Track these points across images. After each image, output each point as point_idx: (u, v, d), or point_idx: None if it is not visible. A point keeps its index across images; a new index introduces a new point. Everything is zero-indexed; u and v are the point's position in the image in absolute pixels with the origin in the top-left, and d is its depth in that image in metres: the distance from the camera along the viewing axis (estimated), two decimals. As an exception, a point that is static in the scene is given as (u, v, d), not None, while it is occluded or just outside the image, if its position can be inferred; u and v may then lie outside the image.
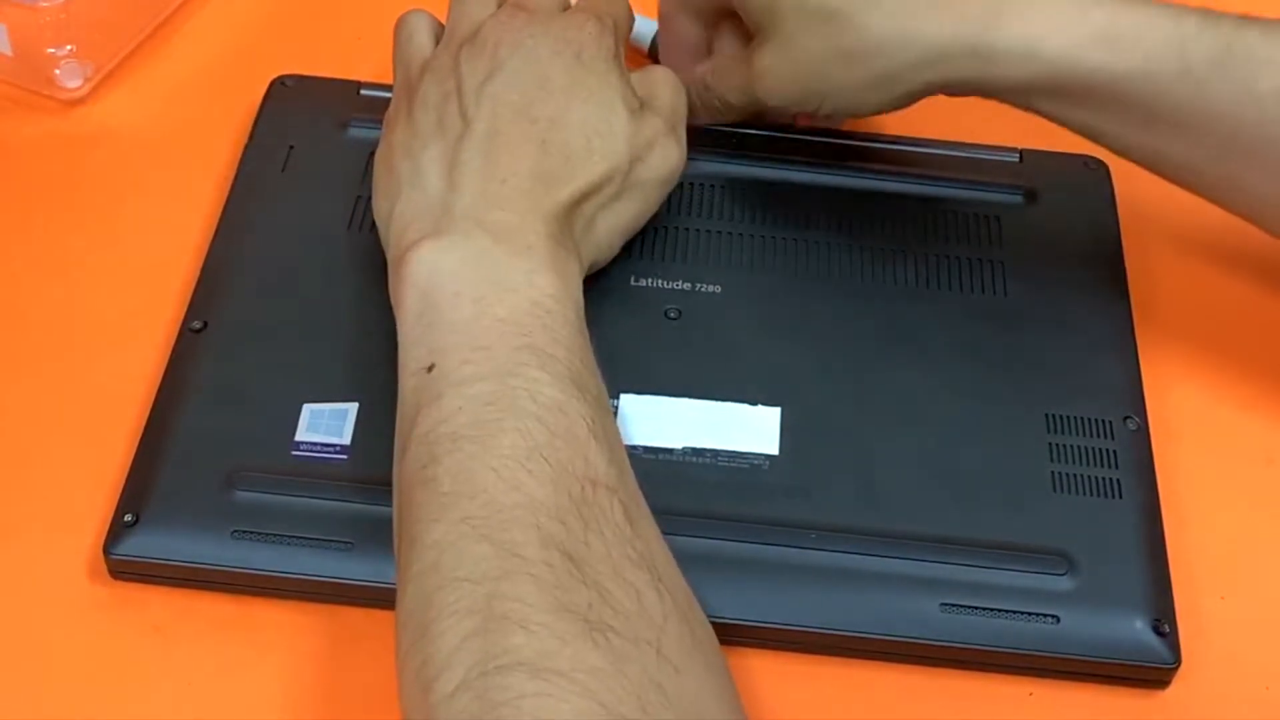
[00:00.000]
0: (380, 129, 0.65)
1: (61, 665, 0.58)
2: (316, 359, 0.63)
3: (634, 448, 0.61)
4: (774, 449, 0.62)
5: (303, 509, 0.59)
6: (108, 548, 0.59)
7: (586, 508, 0.51)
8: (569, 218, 0.61)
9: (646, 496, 0.54)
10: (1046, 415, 0.63)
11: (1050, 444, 0.62)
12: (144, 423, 0.62)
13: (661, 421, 0.62)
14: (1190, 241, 0.73)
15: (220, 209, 0.69)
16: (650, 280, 0.67)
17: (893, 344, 0.65)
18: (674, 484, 0.60)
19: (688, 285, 0.67)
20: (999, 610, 0.58)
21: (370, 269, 0.63)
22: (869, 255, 0.69)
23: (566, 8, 0.66)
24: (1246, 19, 0.61)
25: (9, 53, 0.75)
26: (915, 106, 0.66)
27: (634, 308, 0.66)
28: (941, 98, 0.68)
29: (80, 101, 0.76)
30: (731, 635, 0.57)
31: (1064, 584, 0.59)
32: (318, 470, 0.60)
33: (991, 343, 0.66)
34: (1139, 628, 0.58)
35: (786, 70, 0.66)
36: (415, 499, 0.52)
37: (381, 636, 0.51)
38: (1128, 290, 0.69)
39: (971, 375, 0.65)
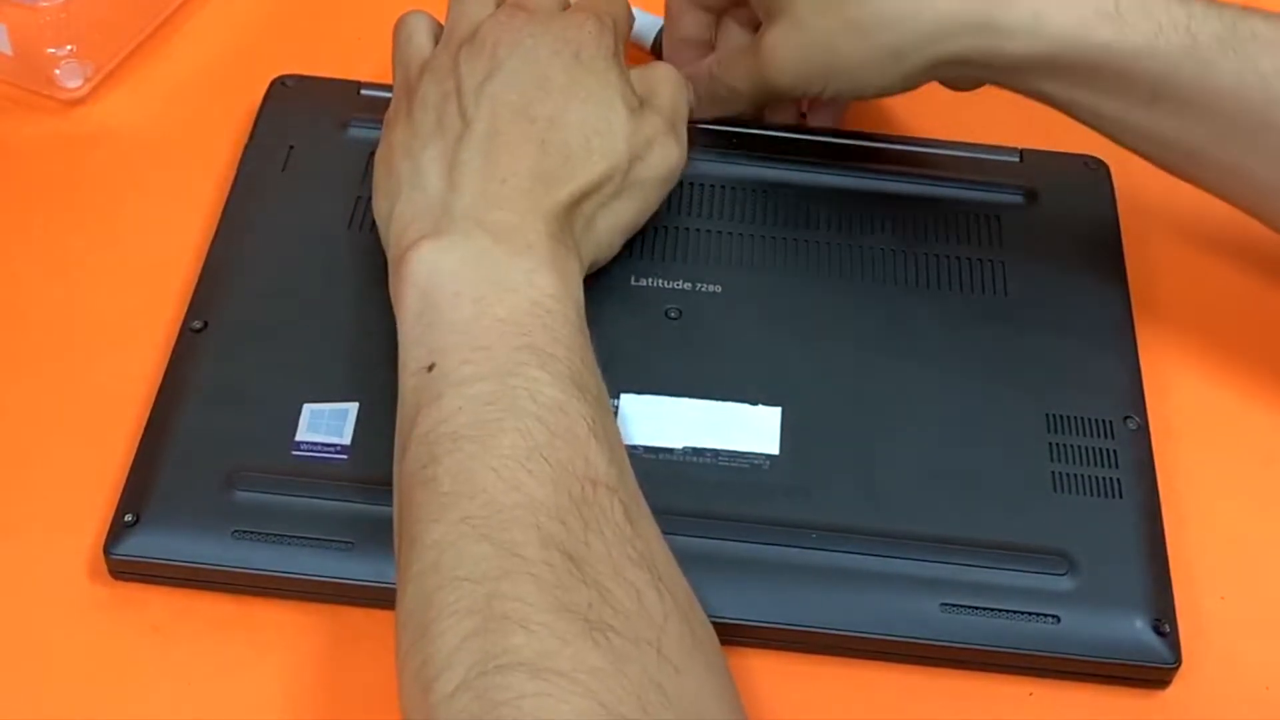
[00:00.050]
0: (380, 129, 0.65)
1: (61, 665, 0.58)
2: (316, 359, 0.63)
3: (634, 448, 0.61)
4: (774, 449, 0.62)
5: (303, 509, 0.59)
6: (108, 548, 0.59)
7: (587, 507, 0.51)
8: (569, 217, 0.61)
9: (647, 496, 0.54)
10: (1046, 415, 0.63)
11: (1050, 444, 0.62)
12: (144, 423, 0.62)
13: (662, 421, 0.62)
14: (1190, 241, 0.73)
15: (220, 209, 0.69)
16: (650, 280, 0.67)
17: (893, 344, 0.65)
18: (674, 484, 0.60)
19: (688, 285, 0.67)
20: (999, 610, 0.58)
21: (370, 269, 0.63)
22: (869, 255, 0.69)
23: (566, 7, 0.66)
24: (1248, 9, 0.62)
25: (9, 53, 0.75)
26: (915, 106, 0.66)
27: (634, 307, 0.66)
28: (942, 97, 0.69)
29: (80, 101, 0.76)
30: (732, 635, 0.57)
31: (1064, 584, 0.59)
32: (318, 470, 0.60)
33: (991, 342, 0.66)
34: (1139, 627, 0.58)
35: (794, 46, 0.66)
36: (415, 499, 0.52)
37: (381, 636, 0.51)
38: (1128, 290, 0.69)
39: (971, 375, 0.65)
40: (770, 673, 0.58)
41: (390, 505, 0.55)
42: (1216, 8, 0.62)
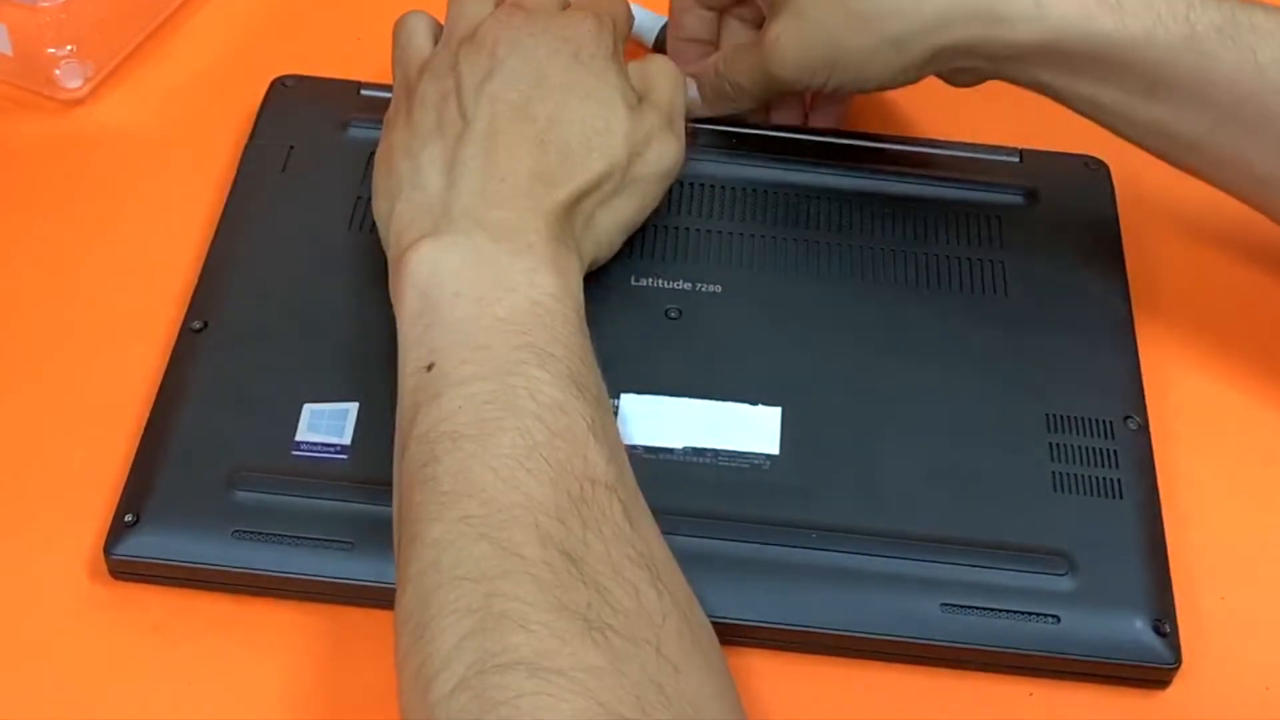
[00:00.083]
0: (380, 129, 0.65)
1: (61, 665, 0.58)
2: (316, 359, 0.63)
3: (634, 448, 0.61)
4: (774, 449, 0.62)
5: (303, 509, 0.59)
6: (108, 548, 0.59)
7: (586, 507, 0.51)
8: (568, 215, 0.61)
9: (647, 496, 0.54)
10: (1046, 415, 0.63)
11: (1050, 444, 0.62)
12: (144, 423, 0.62)
13: (662, 421, 0.62)
14: (1191, 241, 0.73)
15: (220, 209, 0.69)
16: (651, 280, 0.67)
17: (893, 344, 0.65)
18: (674, 484, 0.60)
19: (688, 285, 0.67)
20: (999, 610, 0.58)
21: (370, 269, 0.63)
22: (869, 255, 0.69)
23: (565, 7, 0.66)
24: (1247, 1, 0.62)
25: (9, 53, 0.75)
26: (916, 107, 0.66)
27: (634, 307, 0.66)
28: (943, 97, 0.69)
29: (80, 101, 0.77)
30: (732, 635, 0.57)
31: (1064, 584, 0.59)
32: (318, 470, 0.60)
33: (991, 343, 0.66)
34: (1139, 628, 0.58)
35: (798, 38, 0.66)
36: (415, 498, 0.52)
37: (382, 636, 0.51)
38: (1128, 290, 0.69)
39: (971, 375, 0.65)
40: (770, 673, 0.58)
41: (390, 505, 0.55)
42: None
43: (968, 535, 0.60)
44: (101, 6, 0.76)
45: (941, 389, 0.64)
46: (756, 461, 0.61)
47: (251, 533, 0.59)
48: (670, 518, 0.56)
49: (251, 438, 0.61)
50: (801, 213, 0.70)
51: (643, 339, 0.65)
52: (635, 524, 0.52)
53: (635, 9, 0.72)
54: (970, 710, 0.58)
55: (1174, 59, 0.62)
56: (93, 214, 0.72)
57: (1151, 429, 0.64)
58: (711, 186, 0.71)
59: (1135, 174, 0.73)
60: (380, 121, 0.65)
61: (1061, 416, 0.63)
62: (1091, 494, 0.61)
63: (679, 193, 0.70)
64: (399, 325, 0.57)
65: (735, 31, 0.73)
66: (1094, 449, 0.62)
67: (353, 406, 0.62)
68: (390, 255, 0.60)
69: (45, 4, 0.73)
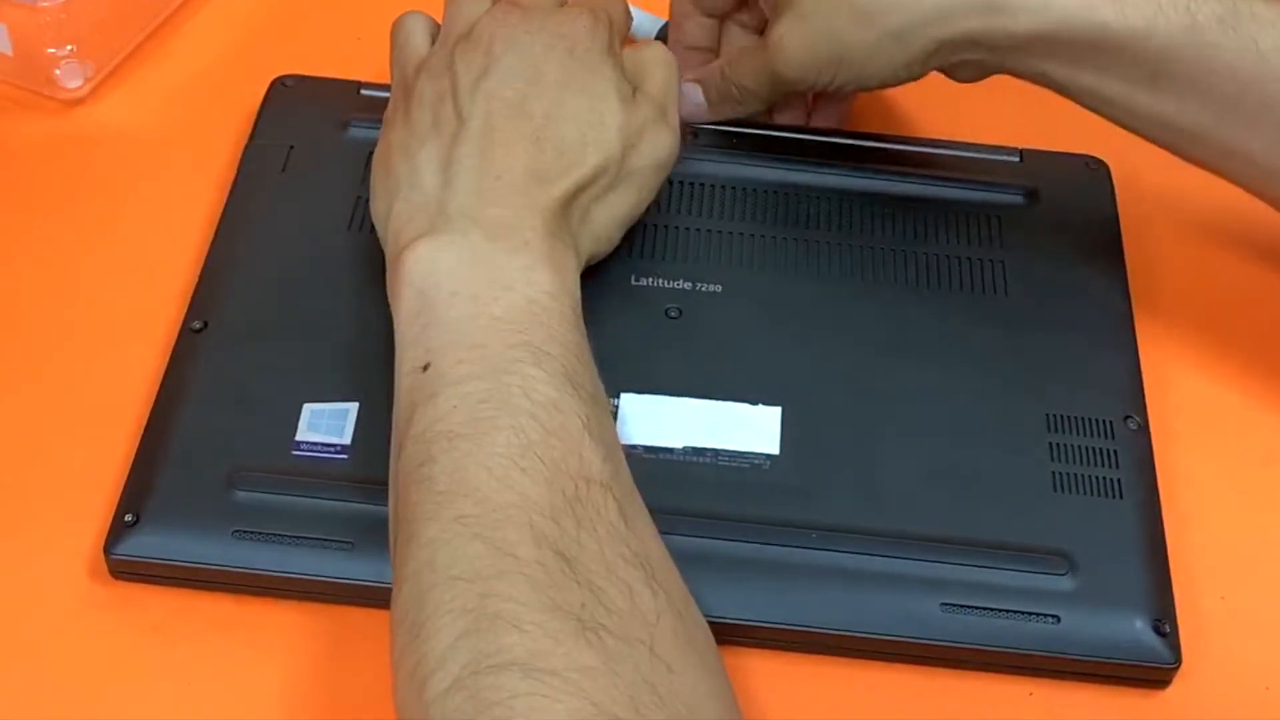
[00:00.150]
0: (380, 129, 0.65)
1: (61, 665, 0.58)
2: (316, 359, 0.63)
3: (634, 447, 0.61)
4: (774, 449, 0.62)
5: (303, 509, 0.59)
6: (108, 548, 0.59)
7: (580, 506, 0.51)
8: (565, 212, 0.60)
9: (646, 496, 0.54)
10: (1046, 415, 0.63)
11: (1050, 444, 0.62)
12: (144, 423, 0.62)
13: (662, 421, 0.62)
14: (1191, 241, 0.73)
15: (220, 209, 0.69)
16: (651, 280, 0.67)
17: (893, 344, 0.65)
18: (674, 484, 0.60)
19: (688, 285, 0.67)
20: (999, 610, 0.58)
21: (370, 269, 0.63)
22: (869, 255, 0.69)
23: (562, 4, 0.66)
24: None
25: (9, 53, 0.75)
26: (916, 106, 0.66)
27: (634, 307, 0.66)
28: (943, 97, 0.69)
29: (80, 101, 0.77)
30: (731, 635, 0.57)
31: (1064, 584, 0.59)
32: (318, 470, 0.60)
33: (992, 343, 0.66)
34: (1139, 628, 0.58)
35: (802, 37, 0.66)
36: (411, 498, 0.52)
37: (382, 636, 0.51)
38: (1128, 290, 0.69)
39: (971, 375, 0.65)
40: (770, 673, 0.58)
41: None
42: None
43: (968, 535, 0.59)
44: (101, 6, 0.76)
45: (941, 389, 0.64)
46: (756, 461, 0.61)
47: (251, 533, 0.59)
48: (670, 518, 0.56)
49: (251, 438, 0.61)
50: (801, 213, 0.70)
51: (642, 338, 0.65)
52: (630, 523, 0.52)
53: (634, 11, 0.72)
54: (970, 710, 0.58)
55: (1175, 49, 0.62)
56: (93, 214, 0.72)
57: (1151, 429, 0.64)
58: (711, 186, 0.71)
59: (1135, 174, 0.73)
60: (380, 121, 0.65)
61: (1061, 416, 0.63)
62: (1091, 494, 0.61)
63: (679, 193, 0.70)
64: (396, 324, 0.57)
65: (736, 37, 0.73)
66: (1094, 449, 0.62)
67: (353, 406, 0.62)
68: (388, 255, 0.60)
69: (45, 4, 0.73)
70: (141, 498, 0.59)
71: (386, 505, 0.55)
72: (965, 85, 0.68)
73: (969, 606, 0.58)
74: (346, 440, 0.61)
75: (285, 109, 0.74)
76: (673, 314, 0.66)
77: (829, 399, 0.63)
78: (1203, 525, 0.63)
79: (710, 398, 0.63)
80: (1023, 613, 0.58)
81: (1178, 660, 0.58)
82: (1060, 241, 0.70)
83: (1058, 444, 0.62)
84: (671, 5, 0.75)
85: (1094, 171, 0.73)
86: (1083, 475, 0.61)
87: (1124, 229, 0.71)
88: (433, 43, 0.66)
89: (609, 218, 0.63)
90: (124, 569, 0.59)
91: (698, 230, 0.69)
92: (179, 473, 0.60)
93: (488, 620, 0.48)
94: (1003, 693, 0.58)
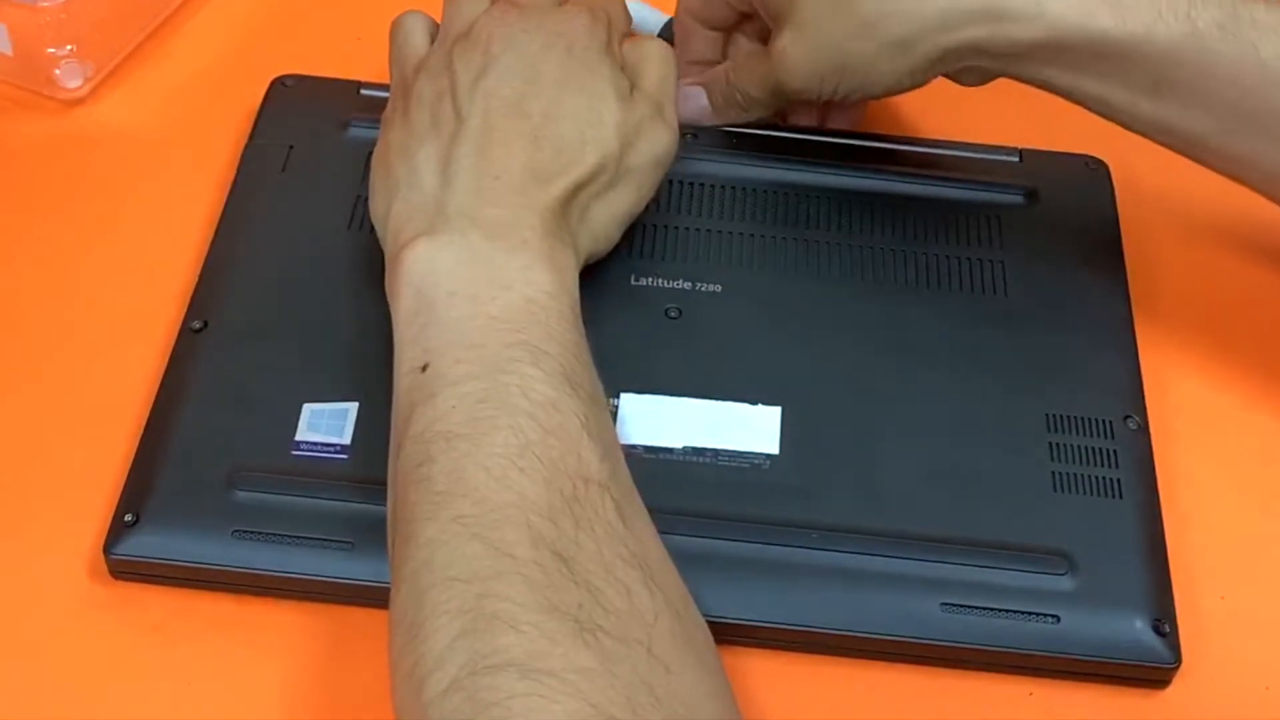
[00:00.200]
0: (379, 129, 0.65)
1: (61, 665, 0.58)
2: (316, 359, 0.63)
3: (634, 447, 0.61)
4: (774, 449, 0.62)
5: (303, 509, 0.59)
6: (108, 548, 0.59)
7: (578, 506, 0.51)
8: (563, 210, 0.60)
9: (646, 496, 0.54)
10: (1046, 415, 0.63)
11: (1050, 444, 0.62)
12: (144, 423, 0.62)
13: (661, 421, 0.62)
14: (1190, 241, 0.73)
15: (220, 209, 0.69)
16: (650, 279, 0.67)
17: (893, 344, 0.65)
18: (674, 484, 0.60)
19: (688, 284, 0.67)
20: (999, 610, 0.58)
21: (370, 269, 0.63)
22: (869, 255, 0.69)
23: (560, 3, 0.66)
24: None
25: (9, 53, 0.75)
26: (916, 107, 0.66)
27: (634, 307, 0.66)
28: (943, 98, 0.69)
29: (80, 101, 0.77)
30: (731, 635, 0.57)
31: (1064, 584, 0.59)
32: (318, 470, 0.60)
33: (991, 342, 0.66)
34: (1139, 627, 0.58)
35: (805, 48, 0.66)
36: (409, 498, 0.52)
37: (382, 637, 0.51)
38: (1128, 290, 0.69)
39: (971, 375, 0.65)
40: (770, 673, 0.58)
41: (389, 505, 0.55)
42: None
43: (968, 535, 0.59)
44: (101, 6, 0.76)
45: (941, 389, 0.64)
46: (756, 461, 0.61)
47: (251, 533, 0.59)
48: (670, 518, 0.56)
49: (251, 438, 0.61)
50: (801, 213, 0.70)
51: (642, 338, 0.65)
52: (628, 522, 0.52)
53: (639, 6, 0.72)
54: (970, 710, 0.58)
55: (1175, 56, 0.62)
56: (93, 214, 0.72)
57: (1151, 429, 0.64)
58: (711, 186, 0.71)
59: (1135, 174, 0.73)
60: (380, 121, 0.65)
61: (1061, 416, 0.63)
62: (1091, 494, 0.61)
63: (679, 193, 0.70)
64: (395, 324, 0.57)
65: (742, 45, 0.73)
66: (1094, 449, 0.62)
67: (352, 406, 0.62)
68: (387, 255, 0.60)
69: (45, 4, 0.73)
70: (141, 498, 0.59)
71: (386, 505, 0.55)
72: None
73: (969, 606, 0.58)
74: (346, 440, 0.61)
75: (285, 109, 0.74)
76: (672, 314, 0.66)
77: (829, 399, 0.63)
78: (1203, 525, 0.63)
79: (710, 398, 0.63)
80: (1023, 613, 0.58)
81: (1178, 660, 0.58)
82: (1060, 242, 0.70)
83: (1058, 444, 0.62)
84: (676, 21, 0.75)
85: (1094, 172, 0.73)
86: (1083, 475, 0.61)
87: (1124, 229, 0.71)
88: (432, 42, 0.66)
89: (608, 216, 0.63)
90: (124, 569, 0.59)
91: (697, 230, 0.69)
92: (179, 473, 0.60)
93: (485, 621, 0.48)
94: (1003, 693, 0.58)
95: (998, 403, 0.64)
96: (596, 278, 0.64)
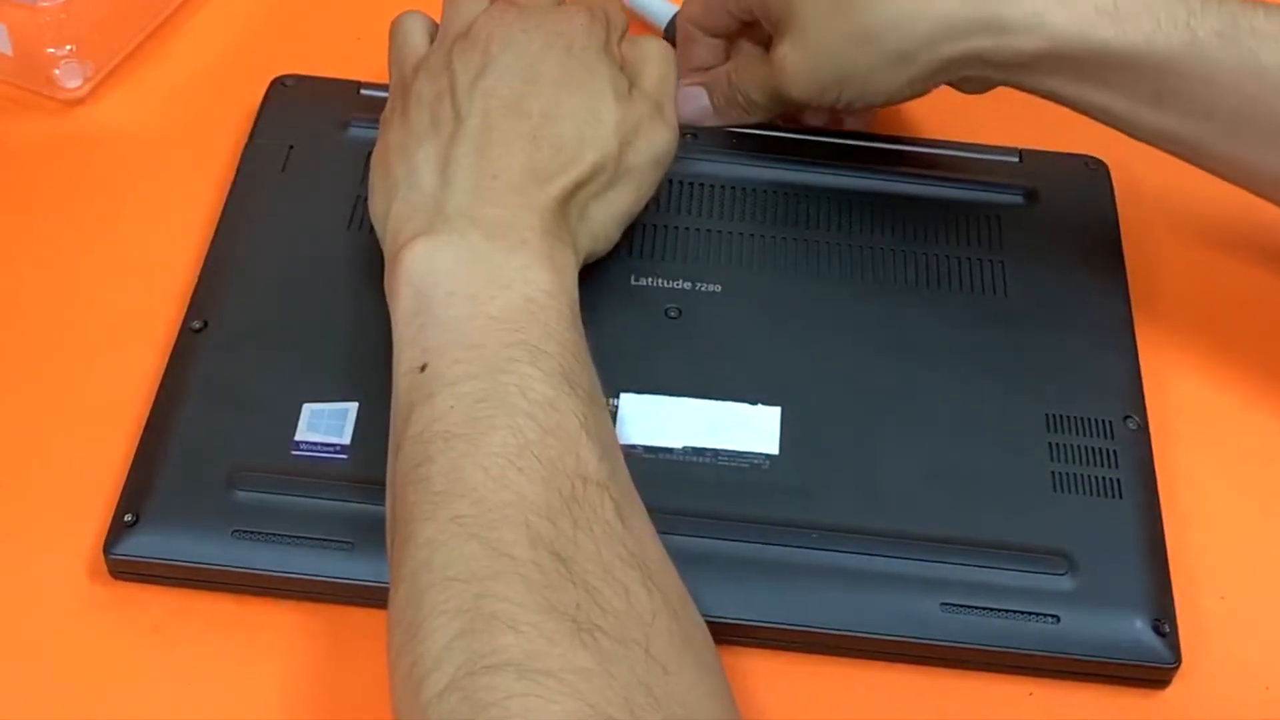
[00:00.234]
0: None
1: (61, 665, 0.58)
2: (316, 359, 0.63)
3: (634, 447, 0.61)
4: (774, 449, 0.62)
5: (303, 509, 0.59)
6: (108, 548, 0.59)
7: (577, 505, 0.51)
8: (563, 210, 0.60)
9: (646, 496, 0.54)
10: (1046, 415, 0.63)
11: (1050, 444, 0.62)
12: (144, 423, 0.62)
13: (661, 421, 0.62)
14: (1190, 241, 0.73)
15: (220, 209, 0.69)
16: (650, 279, 0.67)
17: (893, 344, 0.65)
18: (674, 484, 0.60)
19: (688, 284, 0.67)
20: (999, 610, 0.58)
21: (370, 269, 0.63)
22: (869, 255, 0.69)
23: (559, 2, 0.66)
24: (1250, 1, 0.62)
25: (9, 53, 0.75)
26: (916, 107, 0.66)
27: (634, 307, 0.66)
28: (943, 98, 0.69)
29: (80, 101, 0.77)
30: (731, 635, 0.57)
31: (1064, 584, 0.59)
32: (318, 470, 0.60)
33: (991, 342, 0.66)
34: (1139, 628, 0.58)
35: (805, 59, 0.66)
36: (408, 498, 0.52)
37: (382, 637, 0.51)
38: (1127, 290, 0.69)
39: (971, 375, 0.65)
40: (770, 673, 0.58)
41: (389, 505, 0.55)
42: (1216, 1, 0.62)
43: (968, 535, 0.60)
44: (101, 6, 0.76)
45: (941, 389, 0.64)
46: (756, 461, 0.61)
47: (251, 533, 0.59)
48: (670, 518, 0.56)
49: (251, 438, 0.61)
50: (801, 213, 0.70)
51: (642, 338, 0.65)
52: (627, 522, 0.52)
53: None
54: (970, 710, 0.58)
55: (1175, 65, 0.62)
56: (93, 214, 0.72)
57: (1151, 429, 0.64)
58: (711, 186, 0.71)
59: (1135, 174, 0.73)
60: (379, 121, 0.65)
61: (1061, 416, 0.63)
62: (1091, 494, 0.61)
63: (679, 193, 0.70)
64: (394, 324, 0.57)
65: (746, 49, 0.73)
66: (1094, 449, 0.62)
67: (352, 406, 0.62)
68: (386, 254, 0.60)
69: (45, 4, 0.73)
70: (141, 498, 0.59)
71: (385, 505, 0.55)
72: (966, 86, 0.68)
73: (969, 606, 0.58)
74: (346, 440, 0.61)
75: (285, 109, 0.74)
76: (672, 314, 0.66)
77: (829, 399, 0.63)
78: (1203, 525, 0.63)
79: (710, 398, 0.63)
80: (1023, 613, 0.58)
81: (1177, 660, 0.58)
82: (1060, 242, 0.70)
83: (1057, 444, 0.62)
84: (678, 27, 0.75)
85: (1093, 172, 0.73)
86: (1082, 475, 0.61)
87: (1124, 229, 0.71)
88: (431, 42, 0.66)
89: (607, 215, 0.63)
90: (124, 569, 0.59)
91: (697, 230, 0.69)
92: (179, 473, 0.60)
93: (483, 621, 0.48)
94: (1003, 693, 0.58)
95: (998, 403, 0.64)
96: (596, 278, 0.64)
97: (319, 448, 0.61)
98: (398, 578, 0.51)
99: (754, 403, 0.63)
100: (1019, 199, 0.72)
